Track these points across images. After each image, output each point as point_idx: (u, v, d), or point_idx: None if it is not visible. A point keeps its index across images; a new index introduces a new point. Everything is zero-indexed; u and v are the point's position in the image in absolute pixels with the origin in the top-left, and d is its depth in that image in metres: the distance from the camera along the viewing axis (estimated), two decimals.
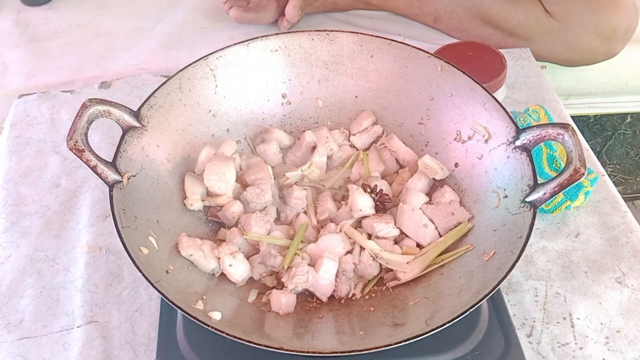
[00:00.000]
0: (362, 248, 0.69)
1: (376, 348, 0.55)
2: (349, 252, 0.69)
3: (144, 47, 1.16)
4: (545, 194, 0.63)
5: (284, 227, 0.72)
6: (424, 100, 0.77)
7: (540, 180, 0.65)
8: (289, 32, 0.79)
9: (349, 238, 0.70)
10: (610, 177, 0.94)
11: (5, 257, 0.79)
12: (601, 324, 0.71)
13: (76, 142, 0.63)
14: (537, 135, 0.66)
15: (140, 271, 0.58)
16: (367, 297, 0.68)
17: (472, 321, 0.65)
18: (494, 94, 0.72)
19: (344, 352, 0.56)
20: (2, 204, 0.86)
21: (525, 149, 0.67)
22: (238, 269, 0.67)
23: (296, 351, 0.56)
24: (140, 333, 0.71)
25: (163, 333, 0.66)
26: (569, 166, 0.62)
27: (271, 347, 0.56)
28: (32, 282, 0.77)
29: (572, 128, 0.64)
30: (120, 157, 0.66)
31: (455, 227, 0.70)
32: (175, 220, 0.69)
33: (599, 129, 1.70)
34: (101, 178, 0.64)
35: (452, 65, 0.74)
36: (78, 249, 0.80)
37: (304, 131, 0.79)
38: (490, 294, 0.58)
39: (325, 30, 0.79)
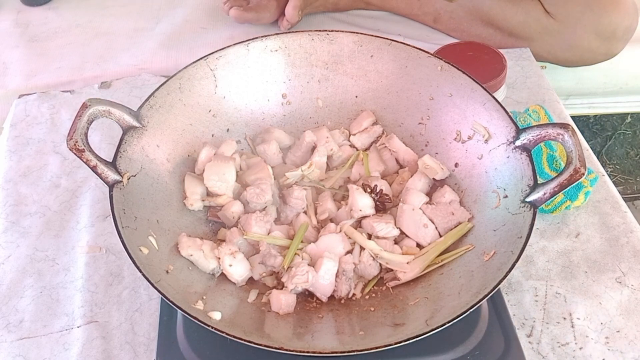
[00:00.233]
0: (362, 248, 0.69)
1: (376, 348, 0.56)
2: (349, 252, 0.69)
3: (144, 47, 1.16)
4: (545, 194, 0.63)
5: (284, 227, 0.72)
6: (424, 100, 0.77)
7: (540, 180, 0.65)
8: (289, 32, 0.79)
9: (349, 238, 0.70)
10: (610, 177, 0.94)
11: (5, 257, 0.79)
12: (601, 324, 0.71)
13: (76, 142, 0.63)
14: (537, 135, 0.66)
15: (140, 271, 0.58)
16: (367, 297, 0.68)
17: (472, 321, 0.65)
18: (494, 94, 0.72)
19: (344, 352, 0.56)
20: (2, 204, 0.86)
21: (525, 149, 0.67)
22: (238, 269, 0.67)
23: (296, 351, 0.56)
24: (140, 333, 0.71)
25: (163, 333, 0.66)
26: (569, 166, 0.62)
27: (271, 347, 0.56)
28: (32, 282, 0.77)
29: (572, 128, 0.64)
30: (120, 157, 0.66)
31: (455, 227, 0.70)
32: (175, 220, 0.69)
33: (599, 129, 1.70)
34: (101, 178, 0.64)
35: (452, 65, 0.74)
36: (78, 249, 0.80)
37: (304, 131, 0.79)
38: (490, 294, 0.58)
39: (325, 30, 0.80)
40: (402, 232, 0.71)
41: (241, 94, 0.79)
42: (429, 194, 0.74)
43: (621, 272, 0.75)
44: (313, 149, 0.78)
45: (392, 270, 0.68)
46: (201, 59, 0.76)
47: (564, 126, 0.64)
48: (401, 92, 0.79)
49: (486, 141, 0.71)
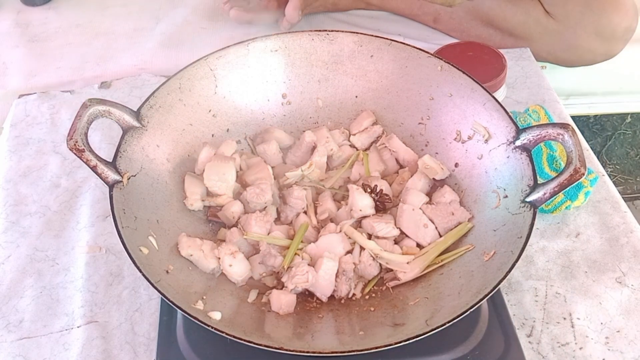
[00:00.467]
0: (362, 248, 0.69)
1: (376, 348, 0.56)
2: (349, 252, 0.69)
3: (144, 47, 1.16)
4: (545, 194, 0.63)
5: (284, 227, 0.72)
6: (424, 100, 0.77)
7: (540, 180, 0.65)
8: (289, 32, 0.79)
9: (349, 238, 0.70)
10: (610, 177, 0.94)
11: (5, 257, 0.79)
12: (601, 324, 0.71)
13: (76, 142, 0.63)
14: (537, 135, 0.66)
15: (140, 271, 0.58)
16: (367, 297, 0.68)
17: (472, 321, 0.65)
18: (494, 94, 0.72)
19: (344, 352, 0.56)
20: (2, 204, 0.86)
21: (525, 149, 0.67)
22: (238, 269, 0.67)
23: (296, 351, 0.56)
24: (140, 333, 0.71)
25: (163, 333, 0.66)
26: (569, 166, 0.62)
27: (271, 347, 0.56)
28: (32, 282, 0.77)
29: (572, 128, 0.64)
30: (120, 157, 0.66)
31: (455, 227, 0.70)
32: (175, 220, 0.69)
33: (599, 129, 1.70)
34: (101, 178, 0.64)
35: (452, 65, 0.74)
36: (78, 249, 0.80)
37: (304, 131, 0.79)
38: (490, 294, 0.58)
39: (325, 30, 0.80)
40: (402, 232, 0.71)
41: (241, 94, 0.79)
42: (429, 194, 0.74)
43: (621, 272, 0.75)
44: (313, 149, 0.78)
45: (392, 270, 0.68)
46: (201, 59, 0.76)
47: (564, 126, 0.64)
48: (401, 92, 0.79)
49: (486, 141, 0.71)
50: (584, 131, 1.65)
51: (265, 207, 0.72)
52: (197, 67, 0.75)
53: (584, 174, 0.61)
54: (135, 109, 0.70)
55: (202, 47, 1.12)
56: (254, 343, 0.56)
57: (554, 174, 0.76)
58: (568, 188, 0.62)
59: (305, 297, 0.68)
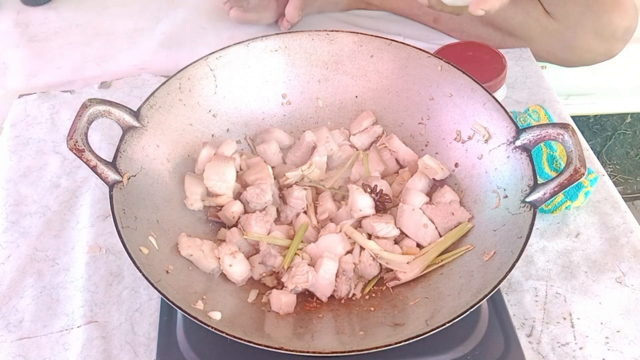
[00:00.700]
0: (362, 248, 0.69)
1: (376, 348, 0.56)
2: (349, 252, 0.69)
3: (144, 47, 1.16)
4: (545, 194, 0.63)
5: (284, 227, 0.72)
6: (424, 100, 0.77)
7: (540, 180, 0.65)
8: (289, 32, 0.79)
9: (349, 238, 0.70)
10: (610, 177, 0.94)
11: (5, 257, 0.79)
12: (601, 323, 0.71)
13: (76, 142, 0.63)
14: (537, 135, 0.66)
15: (140, 271, 0.58)
16: (367, 297, 0.68)
17: (472, 321, 0.65)
18: (494, 94, 0.72)
19: (344, 352, 0.56)
20: (2, 204, 0.86)
21: (525, 149, 0.67)
22: (238, 269, 0.67)
23: (296, 351, 0.56)
24: (140, 333, 0.71)
25: (163, 333, 0.66)
26: (569, 166, 0.62)
27: (271, 347, 0.56)
28: (32, 282, 0.77)
29: (572, 128, 0.64)
30: (120, 157, 0.66)
31: (455, 227, 0.70)
32: (175, 220, 0.69)
33: (599, 129, 1.70)
34: (101, 178, 0.64)
35: (452, 65, 0.74)
36: (78, 249, 0.80)
37: (304, 131, 0.79)
38: (490, 294, 0.58)
39: (325, 30, 0.80)
40: (402, 232, 0.71)
41: (241, 94, 0.79)
42: (429, 194, 0.74)
43: (621, 272, 0.75)
44: (313, 149, 0.78)
45: (392, 270, 0.68)
46: (201, 59, 0.76)
47: (564, 126, 0.64)
48: (401, 92, 0.79)
49: (486, 141, 0.71)
50: (584, 131, 1.65)
51: (265, 207, 0.72)
52: (197, 67, 0.76)
53: (584, 174, 0.61)
54: (135, 109, 0.70)
55: (202, 47, 1.12)
56: (254, 343, 0.56)
57: (554, 174, 0.76)
58: (568, 188, 0.62)
59: (305, 297, 0.68)
